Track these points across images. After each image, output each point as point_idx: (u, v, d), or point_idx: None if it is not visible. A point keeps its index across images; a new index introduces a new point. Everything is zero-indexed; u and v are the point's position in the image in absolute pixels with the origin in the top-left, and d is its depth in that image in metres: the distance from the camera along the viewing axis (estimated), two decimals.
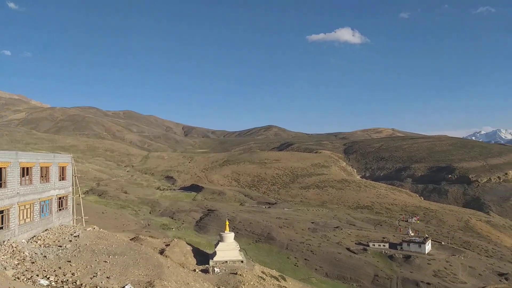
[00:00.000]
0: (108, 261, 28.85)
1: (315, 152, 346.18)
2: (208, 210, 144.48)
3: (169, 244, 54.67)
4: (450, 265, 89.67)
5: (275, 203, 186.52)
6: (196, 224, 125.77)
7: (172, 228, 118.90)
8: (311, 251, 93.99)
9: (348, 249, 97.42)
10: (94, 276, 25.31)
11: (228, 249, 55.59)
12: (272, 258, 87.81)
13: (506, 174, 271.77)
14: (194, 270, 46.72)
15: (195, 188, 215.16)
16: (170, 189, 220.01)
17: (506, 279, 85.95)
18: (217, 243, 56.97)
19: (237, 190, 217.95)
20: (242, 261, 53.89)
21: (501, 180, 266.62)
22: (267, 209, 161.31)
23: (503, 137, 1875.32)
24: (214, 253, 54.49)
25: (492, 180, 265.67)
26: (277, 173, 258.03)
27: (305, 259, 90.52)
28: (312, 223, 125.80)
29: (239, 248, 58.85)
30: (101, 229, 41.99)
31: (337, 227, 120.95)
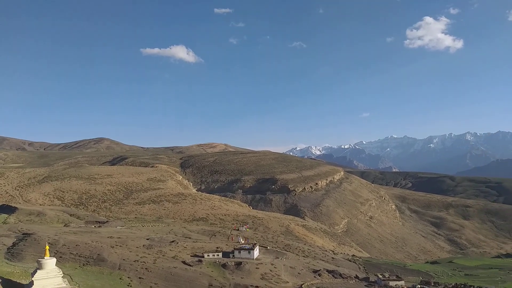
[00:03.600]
0: None
1: (151, 166, 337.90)
2: (24, 234, 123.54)
3: None
4: (274, 267, 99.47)
5: (107, 221, 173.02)
6: (8, 251, 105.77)
7: None
8: (146, 268, 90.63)
9: (184, 262, 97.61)
10: None
11: (48, 277, 49.44)
12: (102, 281, 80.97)
13: (317, 184, 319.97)
14: None
15: (6, 209, 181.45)
16: None
17: (319, 275, 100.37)
18: (35, 271, 49.93)
19: (61, 210, 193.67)
20: None
21: (313, 189, 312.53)
22: (97, 229, 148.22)
23: (314, 153, 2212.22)
24: (31, 283, 47.53)
25: (306, 189, 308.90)
26: (109, 189, 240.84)
27: (140, 277, 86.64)
28: (147, 239, 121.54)
29: (63, 275, 52.76)
30: None
31: (173, 241, 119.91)
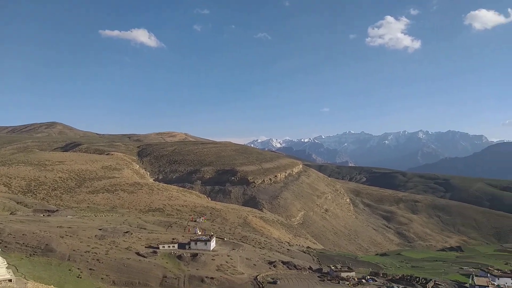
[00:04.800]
0: None
1: (107, 154, 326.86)
2: None
3: None
4: (230, 258, 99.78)
5: (56, 210, 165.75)
6: None
7: None
8: (98, 259, 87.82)
9: (137, 253, 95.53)
10: None
11: None
12: (50, 272, 77.61)
13: (276, 176, 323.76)
14: None
15: None
16: None
17: (274, 266, 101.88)
18: None
19: (7, 197, 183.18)
20: (10, 280, 46.11)
21: (272, 181, 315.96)
22: (46, 218, 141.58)
23: (274, 146, 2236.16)
24: None
25: (265, 181, 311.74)
26: (60, 176, 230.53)
27: (90, 269, 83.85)
28: (100, 229, 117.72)
29: (7, 265, 50.02)
30: None
31: (127, 232, 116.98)
